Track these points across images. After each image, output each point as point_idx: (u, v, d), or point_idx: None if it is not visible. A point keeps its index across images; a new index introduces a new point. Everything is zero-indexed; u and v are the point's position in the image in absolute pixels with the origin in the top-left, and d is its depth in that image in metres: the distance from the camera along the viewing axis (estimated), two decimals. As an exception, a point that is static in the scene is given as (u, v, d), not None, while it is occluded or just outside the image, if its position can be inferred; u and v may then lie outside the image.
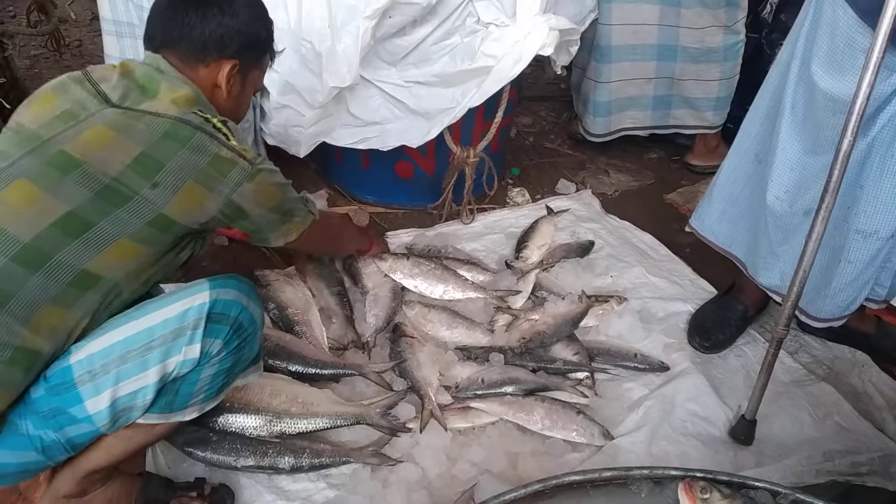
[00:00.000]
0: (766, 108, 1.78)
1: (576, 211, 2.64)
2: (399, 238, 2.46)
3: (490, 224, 2.57)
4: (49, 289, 1.19)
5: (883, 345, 2.01)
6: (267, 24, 1.61)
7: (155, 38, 1.49)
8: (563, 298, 2.09)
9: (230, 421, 1.61)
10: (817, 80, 1.53)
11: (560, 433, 1.73)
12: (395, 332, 1.98)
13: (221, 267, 1.50)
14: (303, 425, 1.63)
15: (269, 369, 1.78)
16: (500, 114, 2.35)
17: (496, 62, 2.16)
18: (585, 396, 1.84)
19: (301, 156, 2.35)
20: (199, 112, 1.37)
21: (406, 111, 2.27)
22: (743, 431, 1.76)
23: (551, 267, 2.28)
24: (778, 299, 1.90)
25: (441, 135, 2.29)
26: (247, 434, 1.62)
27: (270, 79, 2.15)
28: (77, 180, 1.23)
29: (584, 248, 2.40)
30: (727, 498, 1.21)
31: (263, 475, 1.62)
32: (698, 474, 1.28)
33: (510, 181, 2.89)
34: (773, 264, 1.83)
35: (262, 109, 2.33)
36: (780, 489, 1.28)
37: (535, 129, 3.35)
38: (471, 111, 2.24)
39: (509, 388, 1.80)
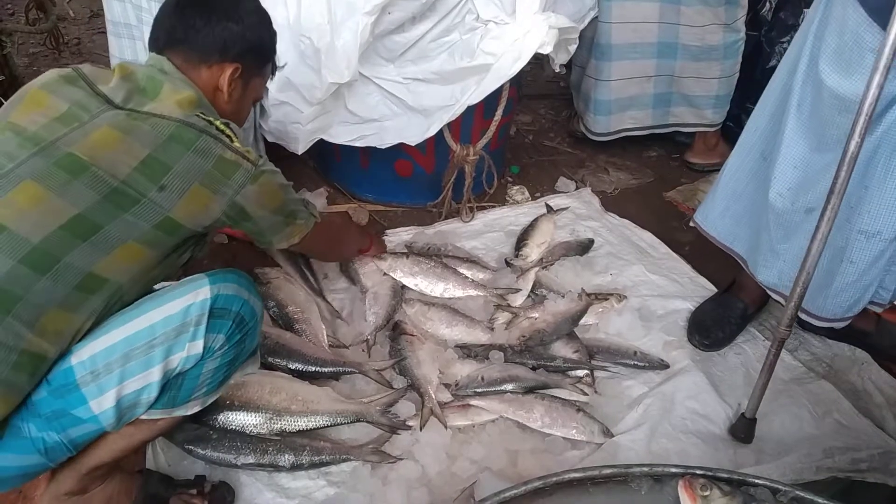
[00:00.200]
0: (772, 105, 1.78)
1: (575, 209, 2.63)
2: (398, 236, 2.46)
3: (490, 222, 2.57)
4: (56, 292, 1.19)
5: (882, 343, 2.01)
6: (271, 33, 1.62)
7: (159, 38, 1.49)
8: (563, 296, 2.09)
9: (230, 419, 1.61)
10: (824, 78, 1.53)
11: (560, 431, 1.73)
12: (394, 329, 1.98)
13: (222, 265, 1.50)
14: (303, 423, 1.63)
15: (269, 367, 1.78)
16: (499, 112, 2.35)
17: (495, 60, 2.16)
18: (585, 394, 1.84)
19: (299, 152, 2.35)
20: (201, 114, 1.36)
21: (404, 108, 2.26)
22: (743, 430, 1.76)
23: (551, 265, 2.28)
24: (777, 297, 1.90)
25: (441, 133, 2.29)
26: (247, 432, 1.62)
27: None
28: (85, 183, 1.22)
29: (584, 246, 2.40)
30: (727, 495, 1.21)
31: (263, 473, 1.62)
32: (698, 472, 1.28)
33: (510, 179, 2.89)
34: (773, 262, 1.83)
35: (261, 106, 2.33)
36: (779, 486, 1.28)
37: (535, 127, 3.35)
38: (470, 109, 2.24)
39: (509, 386, 1.80)
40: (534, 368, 1.89)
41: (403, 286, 2.14)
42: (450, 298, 2.13)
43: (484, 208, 2.65)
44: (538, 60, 2.34)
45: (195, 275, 1.33)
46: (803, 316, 1.85)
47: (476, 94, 2.19)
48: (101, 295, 1.25)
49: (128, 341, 1.23)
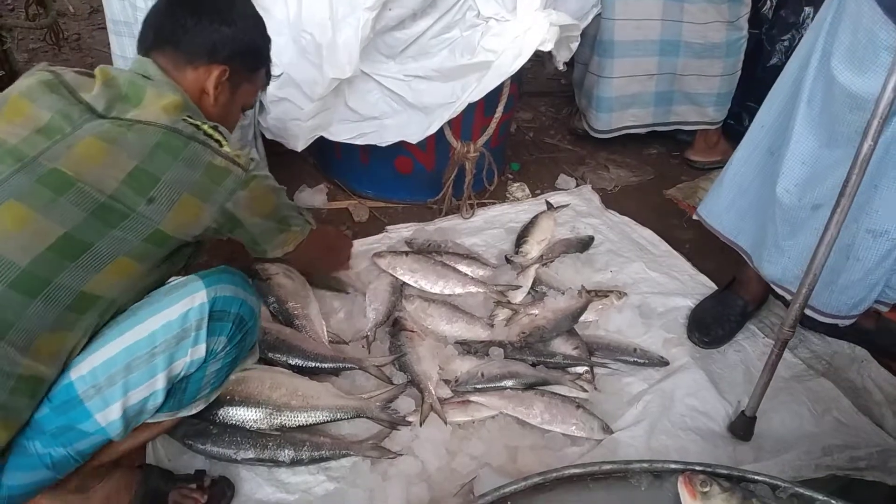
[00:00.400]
0: (781, 100, 1.77)
1: (576, 206, 2.64)
2: (399, 232, 2.46)
3: (490, 219, 2.57)
4: (48, 315, 1.16)
5: (882, 340, 2.01)
6: (265, 39, 1.58)
7: (146, 39, 1.46)
8: (563, 293, 2.09)
9: (230, 414, 1.61)
10: (836, 75, 1.51)
11: (559, 427, 1.73)
12: (394, 326, 1.98)
13: (222, 262, 1.49)
14: (303, 418, 1.64)
15: (269, 363, 1.79)
16: (500, 109, 2.35)
17: (496, 57, 2.15)
18: (585, 391, 1.84)
19: (299, 149, 2.35)
20: (188, 119, 1.32)
21: (405, 105, 2.26)
22: (742, 427, 1.76)
23: (551, 262, 2.28)
24: (780, 292, 1.89)
25: (441, 130, 2.29)
26: (247, 427, 1.62)
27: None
28: (71, 200, 1.18)
29: (584, 244, 2.40)
30: (727, 491, 1.21)
31: (263, 468, 1.62)
32: (698, 468, 1.28)
33: (510, 176, 2.89)
34: (777, 258, 1.82)
35: (260, 103, 2.33)
36: (779, 482, 1.28)
37: (535, 125, 3.35)
38: (471, 106, 2.23)
39: (509, 383, 1.80)
40: (534, 365, 1.89)
41: (403, 283, 2.14)
42: (450, 295, 2.13)
43: (484, 205, 2.65)
44: (538, 58, 2.34)
45: (187, 277, 1.31)
46: (808, 311, 1.83)
47: (477, 91, 2.19)
48: (94, 312, 1.23)
49: (128, 352, 1.22)
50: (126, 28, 2.19)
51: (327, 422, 1.67)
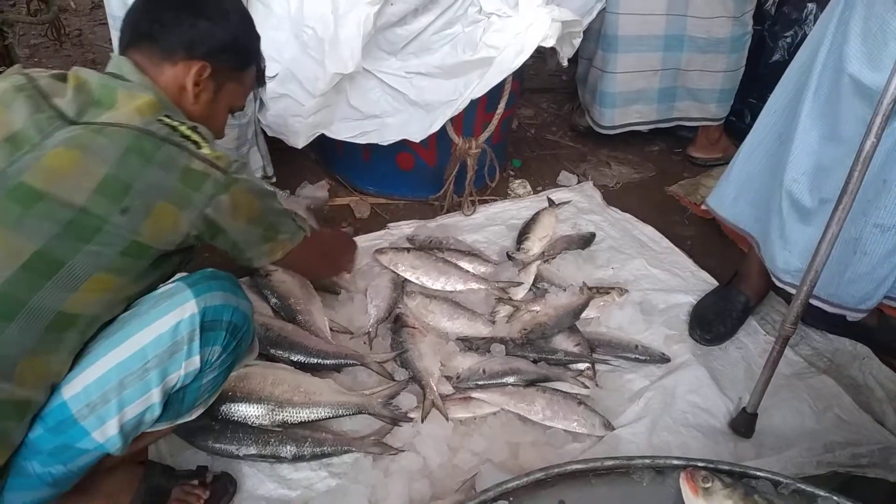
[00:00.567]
0: (791, 89, 1.75)
1: (577, 203, 2.63)
2: (400, 229, 2.46)
3: (491, 215, 2.57)
4: (27, 339, 1.11)
5: (884, 337, 2.01)
6: (250, 35, 1.50)
7: (124, 36, 1.39)
8: (565, 290, 2.09)
9: (232, 410, 1.61)
10: (846, 65, 1.50)
11: (561, 423, 1.73)
12: (396, 322, 1.98)
13: (222, 258, 1.47)
14: (305, 414, 1.63)
15: (272, 359, 1.79)
16: (502, 105, 2.35)
17: (498, 53, 2.15)
18: (586, 387, 1.84)
19: (299, 146, 2.34)
20: (165, 119, 1.24)
21: (407, 103, 2.26)
22: (743, 424, 1.76)
23: (552, 258, 2.28)
24: (781, 285, 1.88)
25: (443, 126, 2.29)
26: (249, 423, 1.62)
27: (269, 68, 2.13)
28: (41, 214, 1.12)
29: (586, 240, 2.40)
30: (729, 487, 1.21)
31: (265, 464, 1.62)
32: (700, 464, 1.28)
33: (512, 173, 2.89)
34: (780, 250, 1.81)
35: (260, 100, 2.32)
36: (781, 479, 1.28)
37: (537, 121, 3.34)
38: (473, 103, 2.23)
39: (510, 379, 1.80)
40: (535, 361, 1.89)
41: (405, 279, 2.14)
42: (451, 292, 2.13)
43: (486, 202, 2.64)
44: (540, 54, 2.34)
45: (175, 284, 1.26)
46: (814, 302, 1.82)
47: (479, 87, 2.19)
48: (75, 331, 1.18)
49: (120, 368, 1.18)
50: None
51: (329, 418, 1.66)
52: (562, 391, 1.81)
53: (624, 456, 1.36)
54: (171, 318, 1.21)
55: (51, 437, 1.17)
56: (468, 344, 1.95)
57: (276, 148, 2.49)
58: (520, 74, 2.36)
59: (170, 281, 1.29)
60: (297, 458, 1.61)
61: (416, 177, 2.58)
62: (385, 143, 2.33)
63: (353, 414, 1.68)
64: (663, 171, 2.98)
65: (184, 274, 1.31)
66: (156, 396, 1.21)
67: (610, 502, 1.29)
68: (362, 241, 2.34)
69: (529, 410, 1.75)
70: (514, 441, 1.71)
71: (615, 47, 2.72)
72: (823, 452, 1.69)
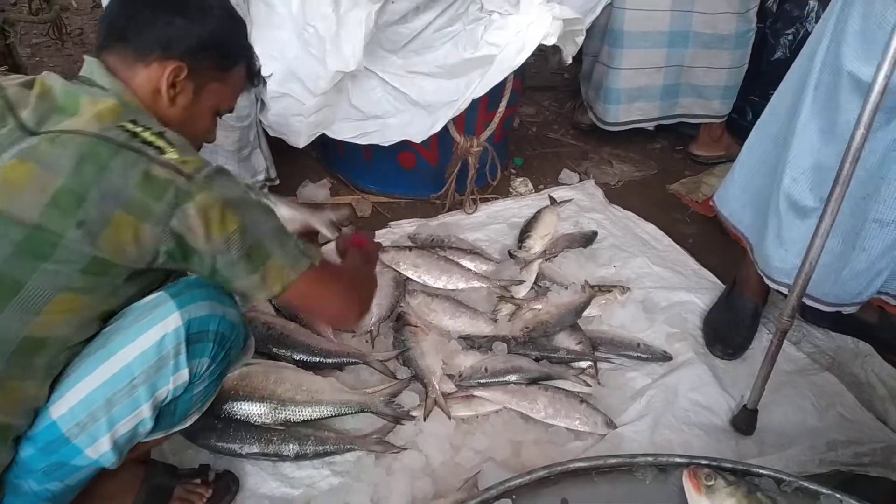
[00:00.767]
0: (792, 87, 1.75)
1: (579, 201, 2.63)
2: (402, 228, 2.46)
3: (493, 214, 2.57)
4: None
5: (885, 335, 2.01)
6: (234, 33, 1.38)
7: (99, 36, 1.30)
8: (567, 288, 2.09)
9: (235, 408, 1.62)
10: (845, 62, 1.50)
11: (563, 422, 1.73)
12: (398, 321, 1.98)
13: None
14: (307, 413, 1.64)
15: (274, 357, 1.79)
16: (503, 104, 2.35)
17: (499, 51, 2.15)
18: (588, 385, 1.84)
19: (300, 146, 2.34)
20: (126, 125, 1.13)
21: (408, 103, 2.26)
22: (745, 421, 1.76)
23: (554, 257, 2.28)
24: (774, 287, 1.88)
25: (444, 125, 2.29)
26: (251, 421, 1.62)
27: (268, 67, 2.13)
28: None
29: (588, 238, 2.40)
30: (731, 485, 1.21)
31: (268, 462, 1.62)
32: (703, 461, 1.28)
33: (513, 171, 2.89)
34: (776, 249, 1.81)
35: (261, 100, 2.32)
36: (783, 476, 1.28)
37: (539, 119, 3.34)
38: (474, 101, 2.23)
39: (512, 377, 1.80)
40: (537, 360, 1.89)
41: (407, 278, 2.14)
42: (453, 290, 2.13)
43: (487, 200, 2.64)
44: (542, 52, 2.34)
45: (157, 295, 1.20)
46: (809, 302, 1.83)
47: (480, 86, 2.19)
48: (45, 354, 1.12)
49: (106, 387, 1.14)
50: None
51: (331, 416, 1.67)
52: (564, 389, 1.81)
53: (626, 454, 1.36)
54: (154, 332, 1.16)
55: (43, 457, 1.15)
56: (470, 342, 1.95)
57: (278, 147, 2.49)
58: (521, 73, 2.35)
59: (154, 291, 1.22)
60: (299, 457, 1.61)
61: (417, 175, 2.58)
62: (386, 144, 2.33)
63: (355, 412, 1.69)
64: (665, 169, 2.98)
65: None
66: (146, 412, 1.19)
67: (613, 500, 1.29)
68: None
69: (532, 409, 1.75)
70: (517, 439, 1.71)
71: (621, 42, 2.71)
72: (826, 451, 1.69)
